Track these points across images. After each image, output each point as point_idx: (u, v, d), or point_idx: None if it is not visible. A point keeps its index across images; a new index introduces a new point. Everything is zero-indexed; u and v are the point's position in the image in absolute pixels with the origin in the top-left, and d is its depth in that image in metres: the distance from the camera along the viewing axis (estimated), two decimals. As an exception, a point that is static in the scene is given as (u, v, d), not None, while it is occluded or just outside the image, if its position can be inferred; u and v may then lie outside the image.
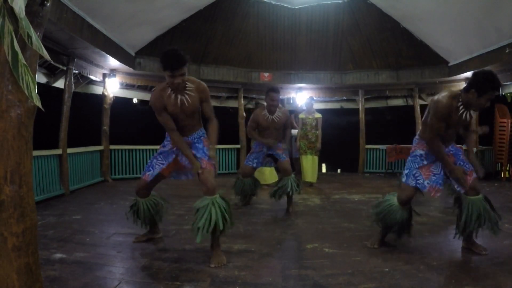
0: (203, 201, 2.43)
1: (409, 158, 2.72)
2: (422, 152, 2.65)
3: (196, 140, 2.67)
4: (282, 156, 4.13)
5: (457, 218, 2.65)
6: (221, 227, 2.37)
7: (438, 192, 2.59)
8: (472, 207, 2.47)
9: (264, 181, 6.07)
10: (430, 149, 2.58)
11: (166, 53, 2.32)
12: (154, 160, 2.73)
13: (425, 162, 2.62)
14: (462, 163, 2.59)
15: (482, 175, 2.57)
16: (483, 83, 2.28)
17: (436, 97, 2.47)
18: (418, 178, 2.61)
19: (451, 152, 2.66)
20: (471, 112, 2.45)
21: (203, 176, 2.50)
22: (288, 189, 4.04)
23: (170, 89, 2.48)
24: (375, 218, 2.81)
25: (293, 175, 4.16)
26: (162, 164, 2.70)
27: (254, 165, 4.18)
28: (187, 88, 2.50)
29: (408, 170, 2.67)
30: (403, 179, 2.68)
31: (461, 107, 2.43)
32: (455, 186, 2.61)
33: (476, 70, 2.41)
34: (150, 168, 2.70)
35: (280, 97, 4.39)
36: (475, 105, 2.36)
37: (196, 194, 2.66)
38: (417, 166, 2.63)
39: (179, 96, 2.50)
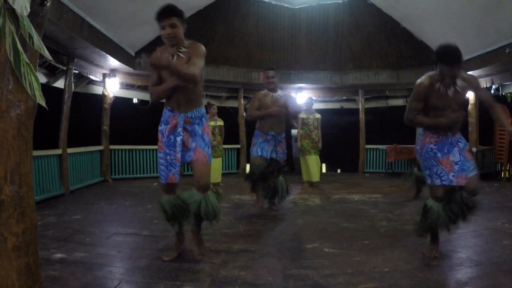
0: (193, 195, 2.40)
1: (421, 158, 2.58)
2: (431, 146, 2.51)
3: (197, 121, 2.42)
4: (280, 156, 3.96)
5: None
6: (207, 218, 2.41)
7: (466, 178, 2.44)
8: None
9: (214, 179, 6.02)
10: (417, 125, 2.58)
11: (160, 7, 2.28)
12: (162, 161, 2.42)
13: (439, 155, 2.48)
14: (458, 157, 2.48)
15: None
16: (436, 53, 2.32)
17: (418, 80, 2.51)
18: (442, 174, 2.46)
19: (460, 143, 2.50)
20: (454, 87, 2.38)
21: (198, 169, 2.38)
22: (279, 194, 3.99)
23: (167, 48, 2.39)
24: (422, 229, 2.65)
25: (281, 178, 4.02)
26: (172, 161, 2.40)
27: (262, 154, 3.85)
28: (181, 49, 2.35)
29: (428, 171, 2.52)
30: (428, 181, 2.55)
31: (438, 84, 2.39)
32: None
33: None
34: (171, 168, 2.40)
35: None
36: (443, 76, 2.32)
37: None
38: (435, 162, 2.48)
39: (172, 55, 2.34)
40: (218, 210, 2.46)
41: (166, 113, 2.46)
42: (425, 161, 2.55)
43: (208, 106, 6.11)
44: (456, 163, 2.46)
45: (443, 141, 2.49)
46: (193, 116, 2.41)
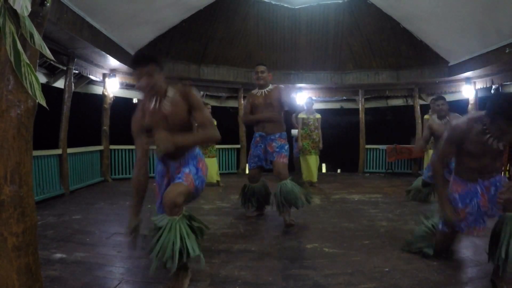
0: (162, 219, 1.98)
1: None
2: (455, 195, 2.31)
3: (189, 160, 2.17)
4: (273, 155, 3.51)
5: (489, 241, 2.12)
6: (175, 258, 1.88)
7: (481, 231, 2.23)
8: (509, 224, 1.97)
9: (211, 179, 6.08)
10: (432, 171, 2.29)
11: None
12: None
13: (459, 205, 2.27)
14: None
15: None
16: (499, 107, 1.94)
17: (454, 121, 2.28)
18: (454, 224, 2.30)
19: (492, 187, 2.21)
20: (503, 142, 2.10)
21: (168, 188, 2.04)
22: (297, 201, 3.32)
23: (149, 97, 2.10)
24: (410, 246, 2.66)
25: (289, 179, 3.45)
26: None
27: (260, 163, 3.66)
28: (167, 94, 2.07)
29: (442, 218, 2.37)
30: (439, 226, 2.41)
31: (486, 132, 2.07)
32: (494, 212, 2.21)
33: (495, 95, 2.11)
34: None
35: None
36: (500, 132, 2.00)
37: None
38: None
39: (158, 100, 2.07)
40: (190, 241, 1.93)
41: (159, 165, 2.26)
42: None
43: None
44: (470, 214, 2.23)
45: (470, 189, 2.25)
46: (185, 159, 2.16)
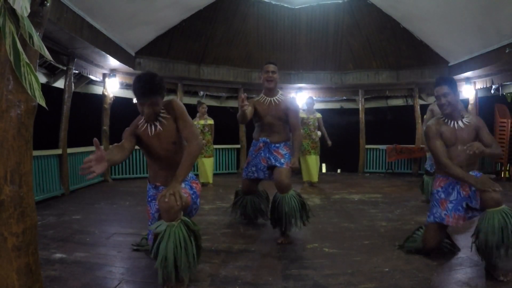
0: (160, 225, 1.94)
1: (431, 199, 2.60)
2: (439, 189, 2.49)
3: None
4: (280, 161, 3.03)
5: (475, 237, 2.25)
6: (171, 265, 1.87)
7: (460, 219, 2.35)
8: (492, 219, 2.12)
9: (205, 179, 6.08)
10: (449, 174, 2.34)
11: (138, 78, 2.05)
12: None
13: (442, 196, 2.45)
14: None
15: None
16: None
17: (426, 124, 2.56)
18: (435, 212, 2.45)
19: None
20: (461, 121, 2.45)
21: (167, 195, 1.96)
22: (286, 223, 2.87)
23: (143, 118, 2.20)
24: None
25: (293, 192, 2.95)
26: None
27: (255, 175, 3.27)
28: (160, 115, 2.17)
29: (429, 211, 2.53)
30: (427, 219, 2.54)
31: (446, 120, 2.48)
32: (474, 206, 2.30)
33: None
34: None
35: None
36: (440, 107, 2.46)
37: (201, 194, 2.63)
38: (437, 204, 2.46)
39: (151, 124, 2.17)
40: (190, 247, 1.92)
41: (150, 190, 2.30)
42: (432, 201, 2.55)
43: (198, 105, 6.14)
44: (450, 202, 2.38)
45: (452, 181, 2.42)
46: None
